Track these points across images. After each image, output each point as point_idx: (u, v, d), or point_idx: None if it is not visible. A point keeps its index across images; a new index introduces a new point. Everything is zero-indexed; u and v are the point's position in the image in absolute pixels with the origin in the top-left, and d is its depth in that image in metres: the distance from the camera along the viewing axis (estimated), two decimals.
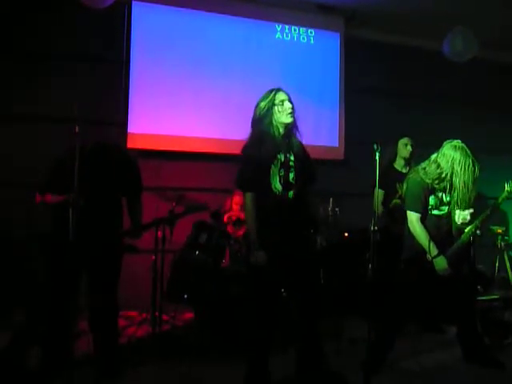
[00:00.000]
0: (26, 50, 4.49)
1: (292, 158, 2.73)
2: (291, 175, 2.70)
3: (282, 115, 2.69)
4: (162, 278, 3.59)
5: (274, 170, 2.67)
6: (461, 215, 3.10)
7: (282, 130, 2.71)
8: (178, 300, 3.84)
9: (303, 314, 2.81)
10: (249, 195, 2.70)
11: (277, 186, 2.66)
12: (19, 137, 4.39)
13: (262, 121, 2.71)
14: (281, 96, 2.71)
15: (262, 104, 2.71)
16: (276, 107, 2.69)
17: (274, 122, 2.69)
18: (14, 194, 4.20)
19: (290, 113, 2.70)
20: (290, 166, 2.71)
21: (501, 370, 3.17)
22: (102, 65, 4.73)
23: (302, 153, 2.81)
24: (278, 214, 2.67)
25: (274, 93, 2.72)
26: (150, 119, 4.72)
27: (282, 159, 2.69)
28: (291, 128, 2.75)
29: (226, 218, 4.27)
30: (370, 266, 2.90)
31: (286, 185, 2.68)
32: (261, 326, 2.76)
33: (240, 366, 2.80)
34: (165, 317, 3.77)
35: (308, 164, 2.83)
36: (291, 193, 2.69)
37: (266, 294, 2.73)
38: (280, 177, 2.67)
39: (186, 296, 3.82)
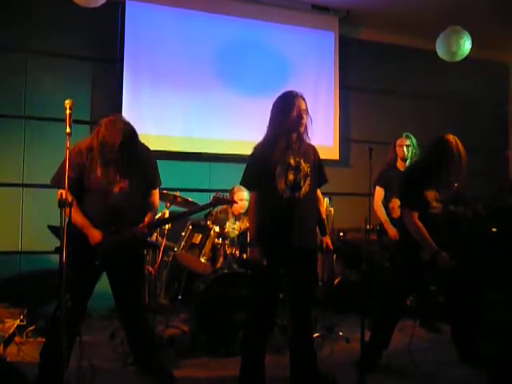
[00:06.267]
0: (18, 47, 4.45)
1: (300, 160, 2.75)
2: (298, 177, 2.72)
3: (296, 124, 2.70)
4: (155, 278, 3.58)
5: (279, 171, 2.70)
6: None
7: (291, 135, 2.72)
8: (173, 301, 3.81)
9: (295, 314, 2.81)
10: (252, 194, 2.78)
11: (282, 186, 2.69)
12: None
13: (275, 124, 2.74)
14: (302, 105, 2.72)
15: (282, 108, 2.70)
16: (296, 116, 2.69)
17: (285, 127, 2.71)
18: None
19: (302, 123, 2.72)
20: (297, 168, 2.73)
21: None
22: (96, 64, 4.73)
23: (312, 156, 2.83)
24: (282, 215, 2.70)
25: (297, 101, 2.70)
26: (143, 119, 4.70)
27: (290, 161, 2.72)
28: (302, 132, 2.77)
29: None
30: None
31: (293, 186, 2.71)
32: (255, 324, 2.77)
33: (234, 367, 2.79)
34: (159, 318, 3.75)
35: (318, 167, 2.87)
36: (298, 194, 2.71)
37: (261, 291, 2.75)
38: (286, 178, 2.70)
39: (180, 297, 3.81)
